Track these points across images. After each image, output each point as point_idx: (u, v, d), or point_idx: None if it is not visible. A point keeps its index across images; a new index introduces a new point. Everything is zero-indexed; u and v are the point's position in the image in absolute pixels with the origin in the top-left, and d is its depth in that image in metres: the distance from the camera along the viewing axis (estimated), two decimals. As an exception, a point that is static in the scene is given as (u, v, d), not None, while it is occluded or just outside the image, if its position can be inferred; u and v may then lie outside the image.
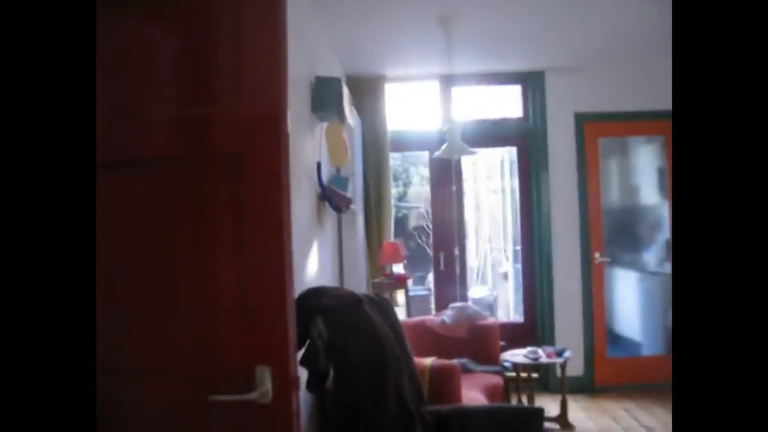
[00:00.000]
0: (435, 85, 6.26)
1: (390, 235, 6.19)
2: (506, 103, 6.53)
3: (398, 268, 5.56)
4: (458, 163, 6.23)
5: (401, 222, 14.08)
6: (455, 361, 4.86)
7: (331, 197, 4.21)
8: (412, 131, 6.39)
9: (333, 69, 5.57)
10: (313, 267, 4.02)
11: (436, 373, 3.78)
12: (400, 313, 5.97)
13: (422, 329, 5.35)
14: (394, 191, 14.09)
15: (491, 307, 8.44)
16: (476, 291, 9.24)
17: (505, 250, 8.96)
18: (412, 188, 13.78)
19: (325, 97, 4.07)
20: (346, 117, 4.17)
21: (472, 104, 6.37)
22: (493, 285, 9.20)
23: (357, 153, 5.60)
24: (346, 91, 4.29)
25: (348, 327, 2.46)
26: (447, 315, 5.43)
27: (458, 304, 5.51)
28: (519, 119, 6.39)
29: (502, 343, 5.38)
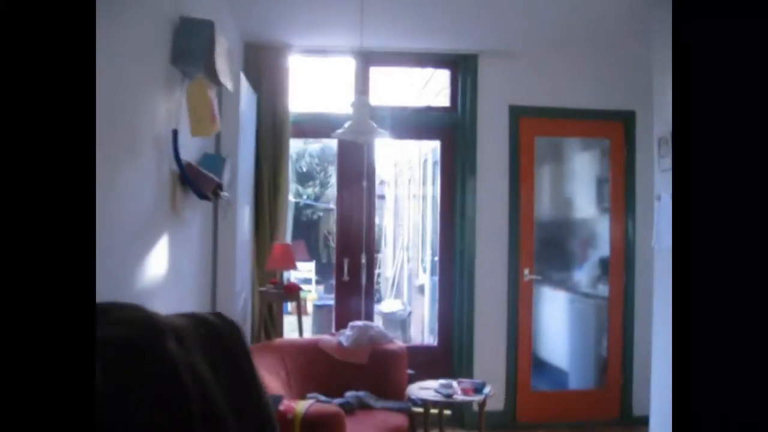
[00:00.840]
0: (350, 63, 5.30)
1: (286, 236, 5.19)
2: (432, 91, 5.63)
3: (308, 274, 4.61)
4: (370, 155, 5.29)
5: (314, 224, 13.00)
6: (349, 396, 3.91)
7: (191, 178, 3.19)
8: (320, 114, 5.41)
9: (224, 26, 4.54)
10: (157, 268, 2.99)
11: (312, 423, 2.80)
12: (292, 330, 5.00)
13: (315, 352, 4.37)
14: (309, 191, 13.03)
15: (403, 325, 7.53)
16: (388, 305, 8.32)
17: (422, 261, 8.06)
18: (330, 189, 12.77)
19: (191, 46, 3.05)
20: (219, 75, 3.16)
21: (394, 89, 5.44)
22: (409, 299, 8.31)
23: (248, 134, 4.57)
24: (223, 41, 3.28)
25: (129, 374, 1.47)
26: (345, 336, 4.46)
27: (359, 323, 4.55)
28: (446, 110, 5.50)
29: (410, 371, 4.46)
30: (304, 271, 10.85)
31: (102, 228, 2.46)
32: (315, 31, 4.83)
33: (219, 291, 4.12)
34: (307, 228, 11.98)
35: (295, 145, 11.89)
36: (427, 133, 5.66)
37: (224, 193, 3.58)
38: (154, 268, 2.94)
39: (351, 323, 4.59)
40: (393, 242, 10.36)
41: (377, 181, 6.21)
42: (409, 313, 7.65)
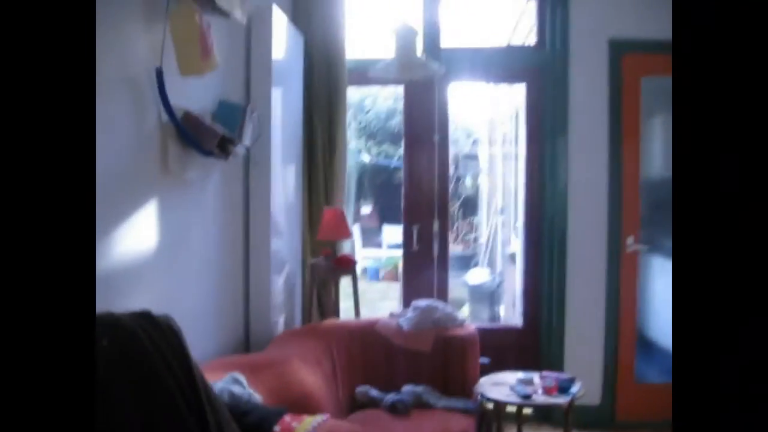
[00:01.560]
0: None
1: (346, 200, 4.52)
2: (515, 26, 4.75)
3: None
4: (442, 104, 4.50)
5: (395, 187, 11.80)
6: (405, 392, 3.28)
7: (186, 128, 2.56)
8: (381, 60, 4.66)
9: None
10: (140, 242, 2.39)
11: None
12: (348, 309, 4.36)
13: (370, 337, 3.71)
14: (384, 149, 11.87)
15: (492, 298, 6.75)
16: (474, 276, 7.54)
17: (515, 226, 7.20)
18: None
19: (174, -40, 2.40)
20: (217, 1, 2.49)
21: (470, 26, 4.61)
22: (500, 268, 7.49)
23: (291, 81, 3.91)
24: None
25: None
26: (406, 317, 3.77)
27: (423, 302, 3.84)
28: (533, 49, 4.63)
29: (483, 360, 3.73)
30: (394, 235, 10.25)
31: None
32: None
33: (252, 266, 3.52)
34: (387, 190, 11.17)
35: (363, 95, 10.90)
36: (508, 76, 4.80)
37: (239, 147, 2.93)
38: (133, 243, 2.34)
39: (414, 302, 3.89)
40: (487, 206, 9.53)
41: (470, 140, 5.49)
42: (499, 285, 6.83)
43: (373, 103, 11.28)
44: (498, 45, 4.71)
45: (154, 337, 1.61)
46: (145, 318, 1.64)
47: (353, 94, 10.32)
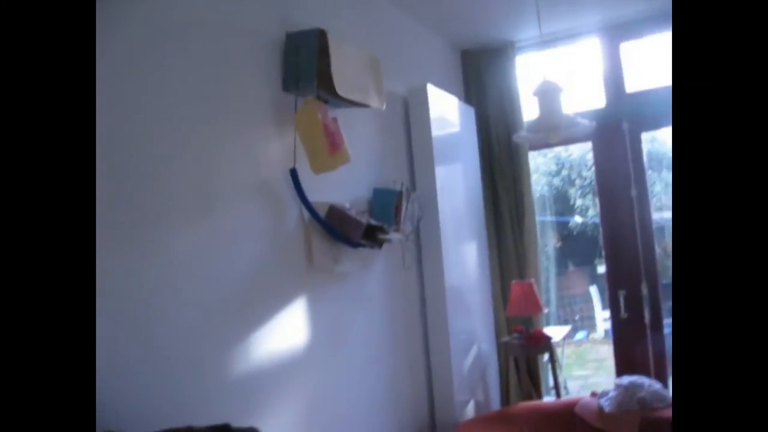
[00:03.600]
0: (594, 44, 4.22)
1: (538, 269, 4.26)
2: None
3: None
4: (637, 154, 4.10)
5: (589, 242, 10.58)
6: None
7: (331, 224, 2.58)
8: (528, 124, 4.39)
9: (429, 40, 3.93)
10: (288, 342, 2.42)
11: None
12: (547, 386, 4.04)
13: (569, 419, 3.38)
14: (580, 202, 10.78)
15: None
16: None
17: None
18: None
19: (300, 64, 2.48)
20: (342, 92, 2.50)
21: (656, 63, 4.22)
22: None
23: (462, 155, 3.83)
24: (349, 51, 2.63)
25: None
26: (608, 398, 3.39)
27: (626, 379, 3.42)
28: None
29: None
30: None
31: (196, 296, 2.01)
32: (544, 14, 3.89)
33: (431, 349, 3.42)
34: (588, 249, 10.34)
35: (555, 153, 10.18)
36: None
37: (391, 236, 2.88)
38: (280, 342, 2.37)
39: (616, 380, 3.48)
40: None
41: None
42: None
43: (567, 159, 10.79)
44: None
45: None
46: (223, 431, 1.61)
47: (573, 150, 9.89)
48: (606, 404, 3.36)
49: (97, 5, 1.35)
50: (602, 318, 10.05)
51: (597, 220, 10.59)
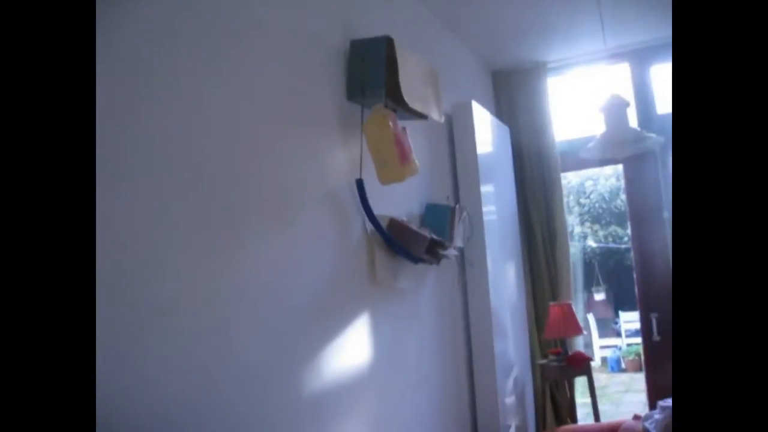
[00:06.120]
0: (623, 68, 4.23)
1: (574, 290, 4.21)
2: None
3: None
4: (667, 174, 4.09)
5: (619, 270, 10.64)
6: None
7: (393, 238, 2.50)
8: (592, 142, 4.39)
9: (464, 58, 3.91)
10: (350, 360, 2.33)
11: None
12: (588, 408, 3.96)
13: (614, 444, 3.31)
14: (612, 230, 10.95)
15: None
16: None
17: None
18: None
19: (366, 72, 2.43)
20: (410, 102, 2.45)
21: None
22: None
23: (499, 174, 3.79)
24: (414, 60, 2.58)
25: None
26: (653, 420, 3.32)
27: (669, 402, 3.37)
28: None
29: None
30: (631, 322, 9.49)
31: (271, 308, 1.92)
32: (574, 36, 3.90)
33: (476, 371, 3.33)
34: (618, 275, 10.41)
35: (583, 177, 10.27)
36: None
37: (449, 252, 2.82)
38: (345, 360, 2.28)
39: (660, 402, 3.42)
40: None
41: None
42: None
43: (595, 184, 10.77)
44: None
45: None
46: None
47: (572, 178, 9.93)
48: (651, 427, 3.29)
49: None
50: (599, 346, 10.04)
51: (608, 244, 10.63)
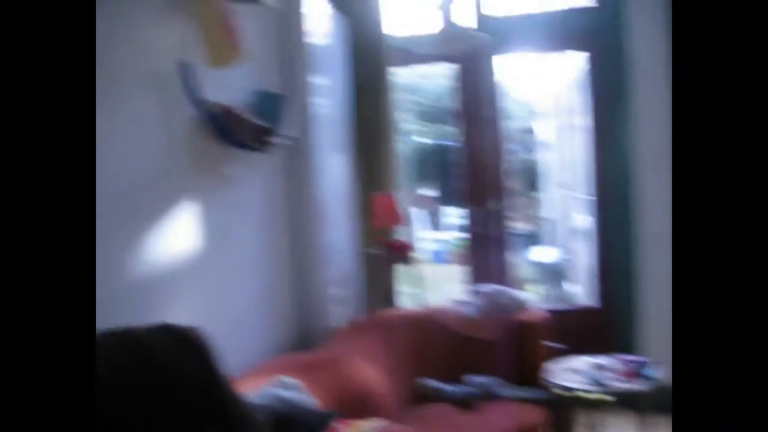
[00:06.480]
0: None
1: (396, 183, 4.33)
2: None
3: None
4: (490, 78, 4.26)
5: (446, 167, 11.03)
6: (471, 384, 3.10)
7: (225, 123, 2.43)
8: (426, 36, 4.43)
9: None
10: (178, 246, 2.28)
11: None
12: (407, 297, 4.21)
13: (432, 326, 3.54)
14: (440, 129, 11.33)
15: (559, 278, 6.48)
16: (540, 254, 7.28)
17: (581, 201, 6.88)
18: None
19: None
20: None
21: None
22: (566, 245, 7.19)
23: (332, 66, 3.75)
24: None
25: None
26: (471, 305, 3.59)
27: (488, 287, 3.65)
28: (591, 11, 4.32)
29: (558, 346, 3.51)
30: (457, 216, 10.03)
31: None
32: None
33: (303, 260, 3.39)
34: (446, 172, 10.86)
35: (420, 74, 10.48)
36: (567, 42, 4.50)
37: (278, 140, 2.79)
38: (170, 248, 2.23)
39: (479, 288, 3.70)
40: (550, 181, 9.19)
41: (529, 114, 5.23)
42: (567, 262, 6.54)
43: (427, 83, 11.02)
44: (552, 9, 4.38)
45: (173, 351, 1.48)
46: (164, 331, 1.51)
47: (406, 74, 10.05)
48: (470, 310, 3.56)
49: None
50: (428, 239, 10.55)
51: (439, 141, 10.96)
